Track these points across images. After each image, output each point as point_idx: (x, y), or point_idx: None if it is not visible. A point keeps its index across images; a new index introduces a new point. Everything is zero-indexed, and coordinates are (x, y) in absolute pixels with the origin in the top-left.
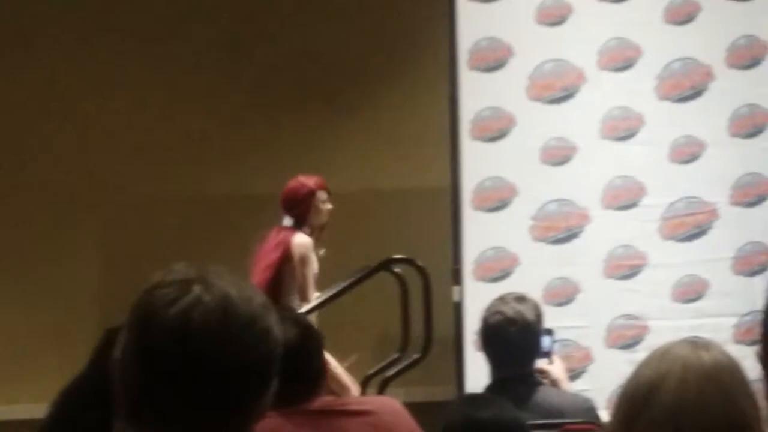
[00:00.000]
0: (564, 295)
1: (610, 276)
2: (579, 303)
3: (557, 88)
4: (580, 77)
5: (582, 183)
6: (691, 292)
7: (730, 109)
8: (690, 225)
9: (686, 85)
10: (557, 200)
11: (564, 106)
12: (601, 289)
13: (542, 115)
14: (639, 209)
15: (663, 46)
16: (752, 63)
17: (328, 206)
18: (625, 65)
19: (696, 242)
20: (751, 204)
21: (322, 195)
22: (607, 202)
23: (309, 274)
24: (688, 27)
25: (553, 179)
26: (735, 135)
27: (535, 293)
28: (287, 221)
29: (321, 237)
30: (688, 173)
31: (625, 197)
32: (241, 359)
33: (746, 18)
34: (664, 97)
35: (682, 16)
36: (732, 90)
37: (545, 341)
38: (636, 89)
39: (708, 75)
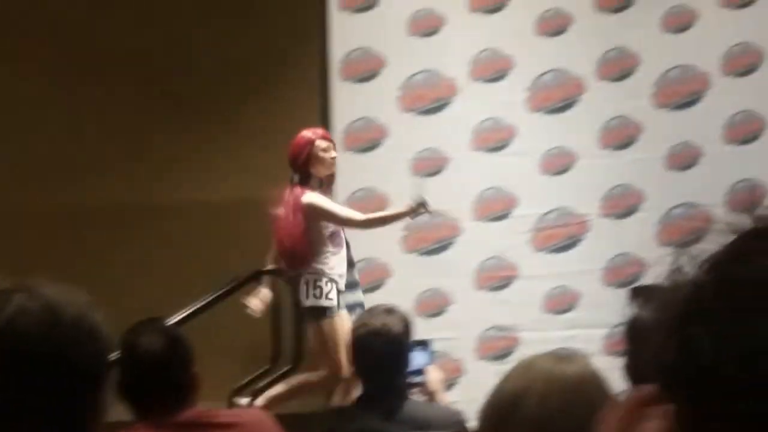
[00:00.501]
0: (435, 306)
1: (481, 287)
2: (450, 314)
3: (429, 99)
4: (452, 88)
5: (454, 194)
6: (562, 303)
7: (600, 121)
8: (561, 236)
9: (557, 97)
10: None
11: (436, 117)
12: (473, 301)
13: (414, 125)
14: (510, 220)
15: (535, 57)
16: (623, 75)
17: (331, 154)
18: (497, 76)
19: (567, 253)
20: (622, 215)
21: (321, 143)
22: (478, 213)
23: (336, 209)
24: (560, 39)
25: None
26: (606, 146)
27: (406, 305)
28: (295, 177)
29: (330, 189)
30: (559, 184)
31: (496, 208)
32: (71, 359)
33: (618, 30)
34: (536, 109)
35: (554, 27)
36: (603, 102)
37: (420, 354)
38: (508, 100)
39: (579, 87)
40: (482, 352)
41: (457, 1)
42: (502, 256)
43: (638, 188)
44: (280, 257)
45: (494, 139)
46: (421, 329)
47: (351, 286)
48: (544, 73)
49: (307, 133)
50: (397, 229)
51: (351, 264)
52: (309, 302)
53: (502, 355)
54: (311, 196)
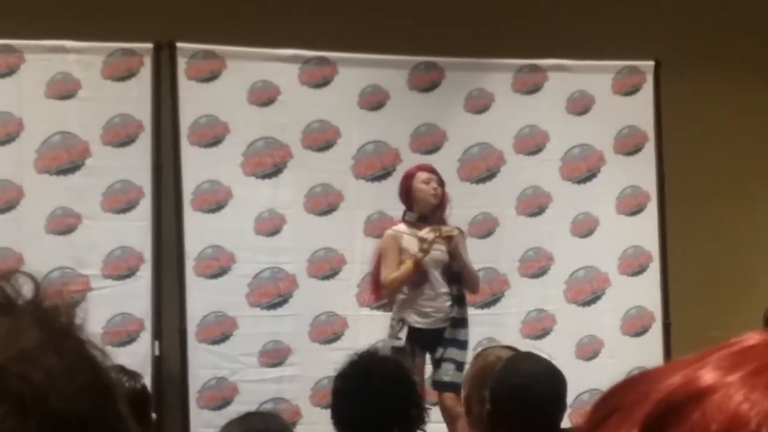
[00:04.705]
0: None
1: None
2: None
3: None
4: None
5: None
6: None
7: (104, 186)
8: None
9: (65, 159)
10: None
11: None
12: None
13: None
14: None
15: (43, 121)
16: (127, 141)
17: (431, 186)
18: (7, 140)
19: None
20: (123, 277)
21: (421, 175)
22: None
23: (384, 266)
24: (69, 103)
25: None
26: (108, 210)
27: None
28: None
29: (433, 220)
30: (64, 244)
31: None
32: None
33: (123, 99)
34: (43, 170)
35: (63, 92)
36: (107, 166)
37: None
38: (16, 161)
39: (87, 151)
40: None
41: None
42: None
43: None
44: None
45: (2, 202)
46: None
47: None
48: (52, 135)
49: (411, 168)
50: None
51: None
52: None
53: None
54: (386, 233)
